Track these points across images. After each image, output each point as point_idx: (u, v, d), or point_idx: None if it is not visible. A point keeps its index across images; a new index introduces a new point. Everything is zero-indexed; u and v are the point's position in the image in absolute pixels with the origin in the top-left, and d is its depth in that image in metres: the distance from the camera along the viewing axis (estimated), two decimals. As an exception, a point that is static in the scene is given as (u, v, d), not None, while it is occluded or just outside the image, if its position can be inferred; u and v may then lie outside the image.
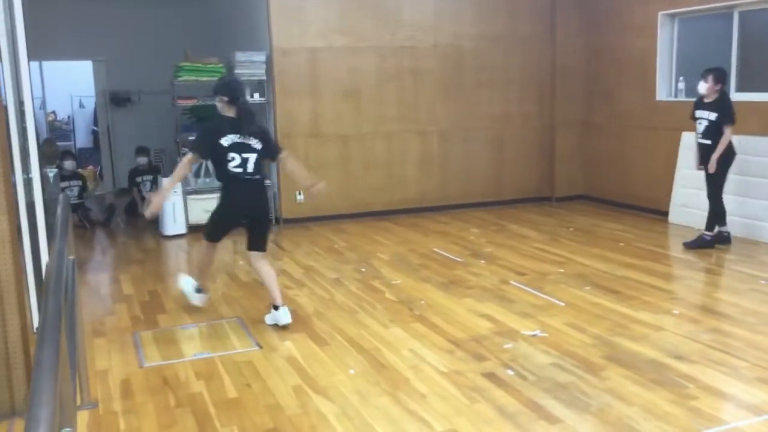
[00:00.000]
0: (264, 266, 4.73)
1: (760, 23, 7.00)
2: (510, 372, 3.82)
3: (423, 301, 5.10)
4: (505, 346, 4.20)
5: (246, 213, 4.66)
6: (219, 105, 4.56)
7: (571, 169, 9.24)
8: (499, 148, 8.97)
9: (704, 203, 6.43)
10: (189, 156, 4.59)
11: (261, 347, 4.29)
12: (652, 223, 7.68)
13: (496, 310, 4.89)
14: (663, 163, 7.86)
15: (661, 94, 7.99)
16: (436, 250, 6.69)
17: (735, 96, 7.10)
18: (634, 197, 8.41)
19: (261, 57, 7.95)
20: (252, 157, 4.50)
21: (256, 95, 8.04)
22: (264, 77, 8.00)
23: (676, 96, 7.89)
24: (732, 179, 6.47)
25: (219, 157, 4.50)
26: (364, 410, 3.40)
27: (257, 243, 4.70)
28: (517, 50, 8.83)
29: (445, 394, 3.56)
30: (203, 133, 5.02)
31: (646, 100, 8.11)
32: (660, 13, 7.84)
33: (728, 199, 6.44)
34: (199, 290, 4.97)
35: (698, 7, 7.45)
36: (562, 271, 5.86)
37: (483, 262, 6.22)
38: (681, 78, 7.84)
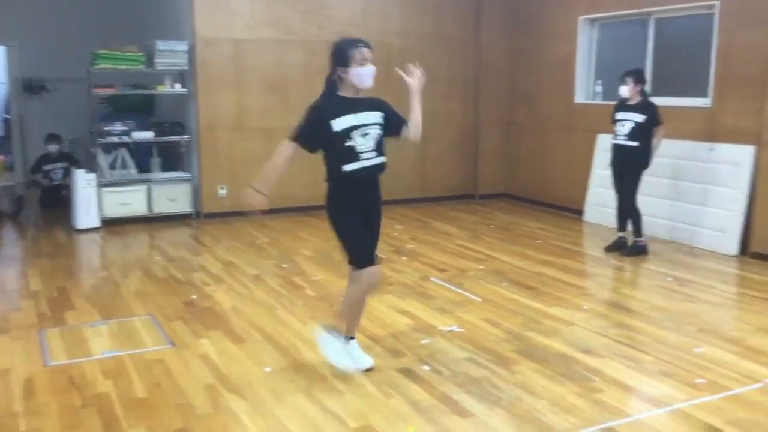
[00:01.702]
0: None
1: (674, 30, 7.29)
2: (426, 367, 3.85)
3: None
4: (422, 342, 4.24)
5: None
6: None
7: (494, 168, 9.42)
8: (424, 145, 9.03)
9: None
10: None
11: (174, 345, 4.19)
12: (569, 222, 7.91)
13: (415, 306, 4.93)
14: (580, 163, 8.10)
15: (580, 96, 8.24)
16: (358, 246, 6.69)
17: (654, 100, 7.39)
18: (552, 196, 8.64)
19: (183, 47, 7.76)
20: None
21: (177, 85, 7.85)
22: (186, 67, 7.81)
23: (593, 99, 8.14)
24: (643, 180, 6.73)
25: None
26: (278, 408, 3.37)
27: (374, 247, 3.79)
28: (444, 49, 8.93)
29: (361, 391, 3.56)
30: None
31: (566, 102, 8.35)
32: (580, 18, 8.07)
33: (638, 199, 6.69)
34: (351, 337, 3.81)
35: (616, 13, 7.71)
36: (481, 267, 5.96)
37: (405, 258, 6.26)
38: (599, 81, 8.09)
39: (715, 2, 6.57)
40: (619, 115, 6.30)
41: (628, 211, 6.33)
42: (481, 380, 3.69)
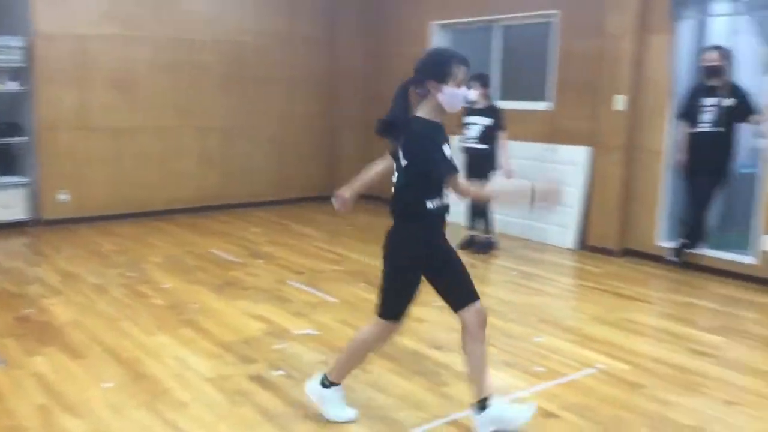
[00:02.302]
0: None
1: (519, 37, 7.66)
2: (278, 373, 3.79)
3: (195, 305, 4.92)
4: (276, 347, 4.17)
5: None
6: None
7: (352, 169, 9.25)
8: (282, 146, 8.97)
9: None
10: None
11: (5, 364, 3.86)
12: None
13: (270, 310, 4.85)
14: (435, 164, 8.32)
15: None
16: (213, 251, 6.50)
17: (499, 104, 7.71)
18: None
19: (18, 42, 7.19)
20: None
21: (13, 83, 7.27)
22: (22, 64, 7.25)
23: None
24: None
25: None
26: (117, 425, 3.18)
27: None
28: (300, 50, 8.89)
29: (208, 401, 3.44)
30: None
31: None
32: (432, 23, 8.30)
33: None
34: (329, 384, 3.28)
35: (464, 20, 8.00)
36: (339, 268, 5.98)
37: (262, 262, 6.15)
38: (450, 84, 8.35)
39: (555, 12, 6.98)
40: (468, 119, 6.49)
41: (480, 209, 6.57)
42: (333, 382, 3.68)
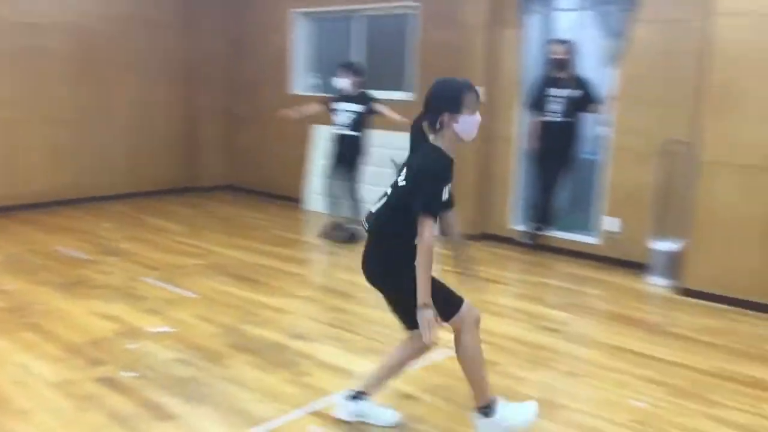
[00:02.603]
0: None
1: (382, 27, 7.72)
2: (130, 374, 3.61)
3: (40, 307, 4.59)
4: (128, 347, 3.97)
5: None
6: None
7: (216, 159, 9.22)
8: (139, 136, 8.54)
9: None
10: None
11: None
12: (291, 211, 8.04)
13: (123, 309, 4.61)
14: (299, 153, 8.27)
15: (296, 88, 8.39)
16: (59, 248, 6.09)
17: (371, 92, 7.76)
18: (275, 186, 8.72)
19: None
20: None
21: None
22: None
23: (310, 91, 8.34)
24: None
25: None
26: (-56, 441, 2.91)
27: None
28: (159, 36, 8.49)
29: (52, 407, 3.22)
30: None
31: (283, 93, 8.44)
32: (292, 11, 8.20)
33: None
34: (358, 396, 3.16)
35: (323, 9, 7.97)
36: (199, 262, 5.79)
37: (115, 259, 5.84)
38: (314, 73, 8.32)
39: (416, 4, 7.10)
40: (338, 106, 6.48)
41: (350, 198, 6.58)
42: (189, 380, 3.56)
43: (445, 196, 2.84)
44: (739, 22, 4.71)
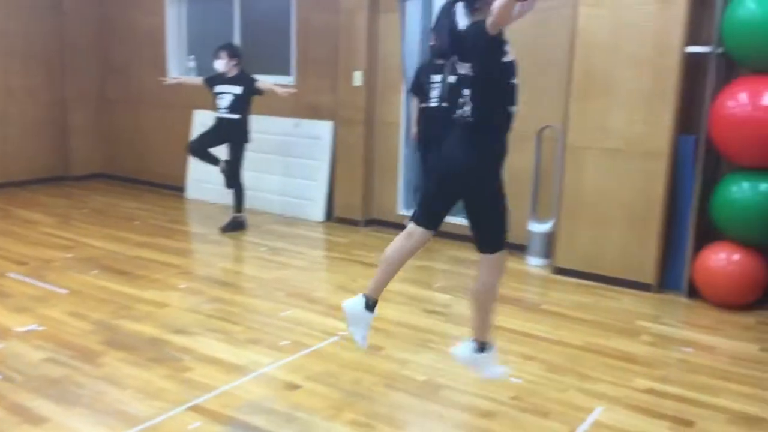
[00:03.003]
0: (481, 278, 3.14)
1: (259, 9, 7.54)
2: (-6, 377, 3.38)
3: None
4: (-7, 348, 3.71)
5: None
6: None
7: (88, 147, 8.74)
8: (3, 124, 7.95)
9: (219, 177, 6.66)
10: None
11: None
12: (171, 200, 7.76)
13: (-15, 308, 4.30)
14: (178, 139, 7.96)
15: (174, 71, 8.08)
16: None
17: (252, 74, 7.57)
18: (153, 174, 8.38)
19: None
20: None
21: None
22: None
23: (188, 74, 8.06)
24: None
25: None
26: None
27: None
28: (17, 17, 7.89)
29: None
30: None
31: (160, 77, 8.09)
32: (167, -9, 7.88)
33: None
34: (373, 304, 3.19)
35: (201, -11, 7.71)
36: (70, 256, 5.48)
37: (-25, 254, 5.43)
38: (192, 57, 8.03)
39: (292, -15, 6.99)
40: (218, 89, 6.32)
41: (231, 183, 6.42)
42: (60, 380, 3.36)
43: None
44: (598, 12, 4.96)
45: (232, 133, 6.31)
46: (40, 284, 4.77)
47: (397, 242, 3.12)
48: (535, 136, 5.65)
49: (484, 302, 3.12)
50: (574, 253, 5.28)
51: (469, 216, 3.03)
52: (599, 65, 4.99)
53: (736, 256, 4.52)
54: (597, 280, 5.17)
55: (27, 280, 4.85)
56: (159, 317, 4.24)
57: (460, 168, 2.92)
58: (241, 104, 6.27)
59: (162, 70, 8.05)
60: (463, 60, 2.88)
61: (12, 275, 4.94)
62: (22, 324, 4.06)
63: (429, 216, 3.06)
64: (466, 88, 2.89)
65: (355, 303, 3.13)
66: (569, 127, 5.19)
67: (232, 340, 3.95)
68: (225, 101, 6.28)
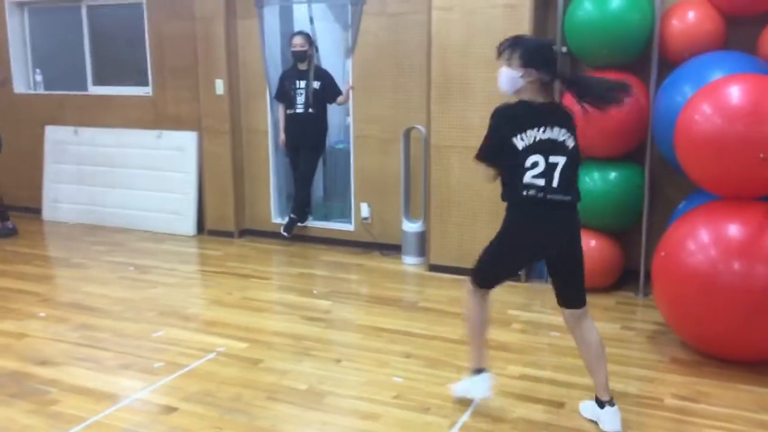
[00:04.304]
0: (583, 332, 3.08)
1: (110, 19, 7.20)
2: None
3: None
4: None
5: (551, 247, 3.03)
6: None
7: None
8: None
9: (81, 196, 6.29)
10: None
11: None
12: (29, 223, 7.23)
13: None
14: (30, 158, 7.48)
15: (20, 86, 7.56)
16: None
17: (93, 90, 7.23)
18: (8, 197, 7.77)
19: None
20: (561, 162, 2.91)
21: None
22: None
23: (35, 89, 7.57)
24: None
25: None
26: None
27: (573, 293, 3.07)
28: None
29: None
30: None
31: (5, 93, 7.56)
32: (7, 2, 7.35)
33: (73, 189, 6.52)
34: (479, 370, 3.22)
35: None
36: None
37: None
38: (38, 70, 7.55)
39: (143, -7, 6.73)
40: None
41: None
42: None
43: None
44: (449, 16, 5.14)
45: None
46: None
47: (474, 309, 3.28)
48: (402, 137, 5.76)
49: (603, 353, 3.11)
50: (446, 249, 5.43)
51: (556, 275, 3.11)
52: (455, 68, 5.17)
53: (592, 243, 4.81)
54: (468, 274, 5.33)
55: None
56: (19, 349, 3.96)
57: (577, 244, 3.03)
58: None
59: (8, 86, 7.51)
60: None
61: None
62: None
63: (502, 280, 3.32)
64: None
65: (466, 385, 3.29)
66: (432, 128, 5.33)
67: (102, 367, 3.74)
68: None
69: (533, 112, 2.92)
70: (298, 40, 6.00)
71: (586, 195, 4.86)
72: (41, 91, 7.47)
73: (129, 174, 6.91)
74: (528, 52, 2.91)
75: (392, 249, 6.01)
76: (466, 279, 3.26)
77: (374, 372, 3.69)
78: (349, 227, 6.32)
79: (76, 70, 7.30)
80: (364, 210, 6.16)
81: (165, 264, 5.80)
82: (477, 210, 5.26)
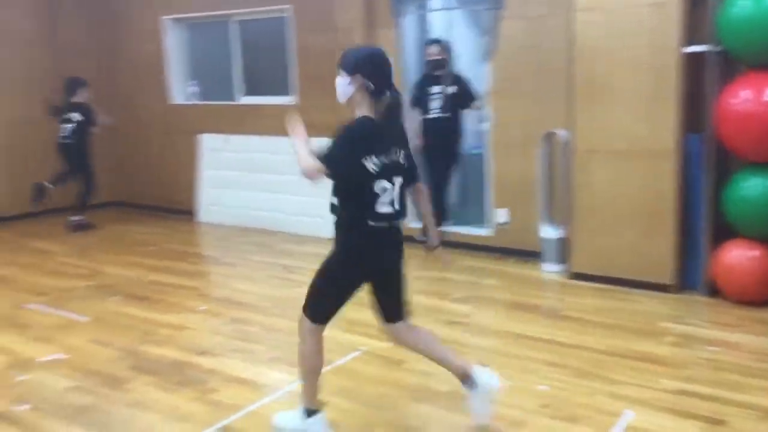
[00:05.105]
0: (419, 334, 3.18)
1: (257, 32, 7.60)
2: (23, 407, 3.40)
3: None
4: (19, 379, 3.73)
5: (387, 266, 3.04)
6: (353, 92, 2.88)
7: (100, 176, 8.75)
8: (17, 156, 8.01)
9: (231, 200, 6.65)
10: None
11: None
12: (183, 224, 7.78)
13: (9, 339, 4.33)
14: (186, 165, 8.02)
15: (177, 98, 8.14)
16: (-71, 281, 5.63)
17: (242, 100, 7.65)
18: (164, 200, 8.41)
19: None
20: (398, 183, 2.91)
21: None
22: None
23: (190, 100, 8.11)
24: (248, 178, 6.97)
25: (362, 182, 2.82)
26: None
27: (400, 304, 3.12)
28: (24, 53, 7.96)
29: (-66, 455, 2.97)
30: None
31: (163, 104, 8.17)
32: (163, 18, 7.95)
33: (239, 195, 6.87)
34: (312, 412, 3.02)
35: (196, 14, 7.77)
36: (90, 284, 5.52)
37: (-7, 287, 5.47)
38: (193, 82, 8.10)
39: (287, 6, 7.04)
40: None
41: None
42: (88, 408, 3.38)
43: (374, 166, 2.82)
44: (592, 17, 4.99)
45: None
46: (61, 313, 4.80)
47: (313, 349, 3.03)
48: (541, 141, 5.66)
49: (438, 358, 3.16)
50: (590, 257, 5.28)
51: (385, 293, 3.07)
52: (599, 69, 5.01)
53: (753, 253, 4.51)
54: (614, 283, 5.15)
55: (47, 310, 4.88)
56: (181, 340, 4.26)
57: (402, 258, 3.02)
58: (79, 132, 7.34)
59: (165, 97, 8.11)
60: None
61: (32, 306, 4.97)
62: (45, 353, 4.08)
63: (337, 311, 3.04)
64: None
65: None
66: (576, 132, 5.20)
67: (254, 360, 3.96)
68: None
69: (380, 133, 2.82)
70: (433, 49, 6.07)
71: (744, 203, 4.57)
72: (196, 101, 8.00)
73: (275, 179, 7.25)
74: (355, 58, 2.87)
75: (529, 255, 5.92)
76: (301, 318, 3.01)
77: (518, 378, 3.65)
78: (486, 232, 6.28)
79: (226, 81, 7.76)
80: (502, 215, 6.11)
81: (307, 265, 6.01)
82: (623, 216, 5.08)
